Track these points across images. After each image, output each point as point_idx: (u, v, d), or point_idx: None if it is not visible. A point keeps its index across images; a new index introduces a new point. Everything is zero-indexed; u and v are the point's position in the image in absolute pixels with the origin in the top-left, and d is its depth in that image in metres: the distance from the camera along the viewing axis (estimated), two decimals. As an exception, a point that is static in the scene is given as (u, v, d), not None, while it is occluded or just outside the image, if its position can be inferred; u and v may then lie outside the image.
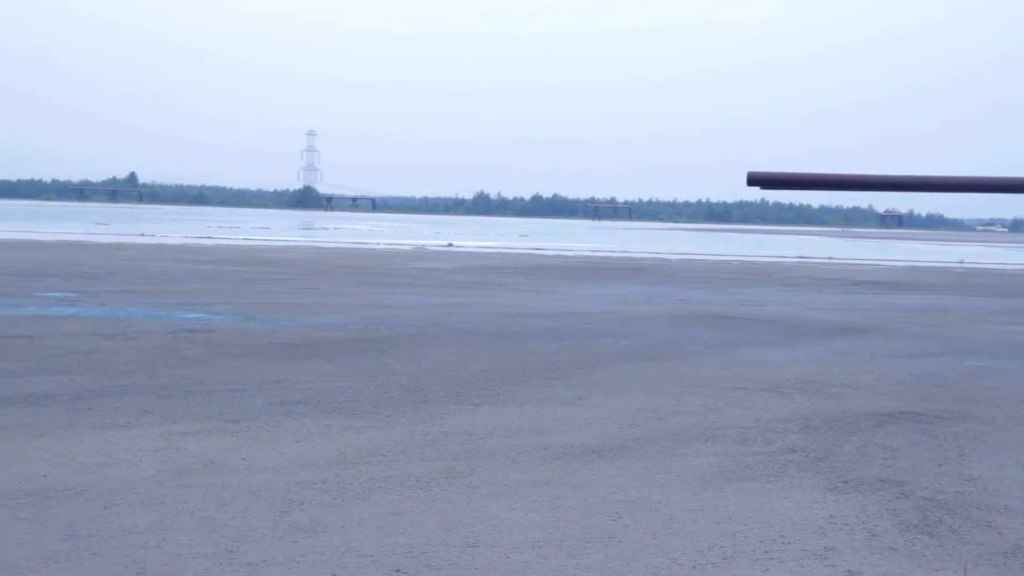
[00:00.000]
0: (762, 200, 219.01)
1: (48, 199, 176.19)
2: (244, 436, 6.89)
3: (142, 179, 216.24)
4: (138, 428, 7.02)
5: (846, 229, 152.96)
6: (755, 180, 4.07)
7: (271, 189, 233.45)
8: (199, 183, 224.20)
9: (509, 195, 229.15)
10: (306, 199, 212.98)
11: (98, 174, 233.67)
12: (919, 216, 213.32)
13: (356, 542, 4.84)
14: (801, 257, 42.73)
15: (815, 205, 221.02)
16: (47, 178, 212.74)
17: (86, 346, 10.61)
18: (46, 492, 5.49)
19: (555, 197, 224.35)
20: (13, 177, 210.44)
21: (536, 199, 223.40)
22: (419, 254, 35.71)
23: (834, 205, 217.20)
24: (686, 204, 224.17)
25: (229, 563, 4.54)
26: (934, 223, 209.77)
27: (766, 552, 4.89)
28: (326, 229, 66.31)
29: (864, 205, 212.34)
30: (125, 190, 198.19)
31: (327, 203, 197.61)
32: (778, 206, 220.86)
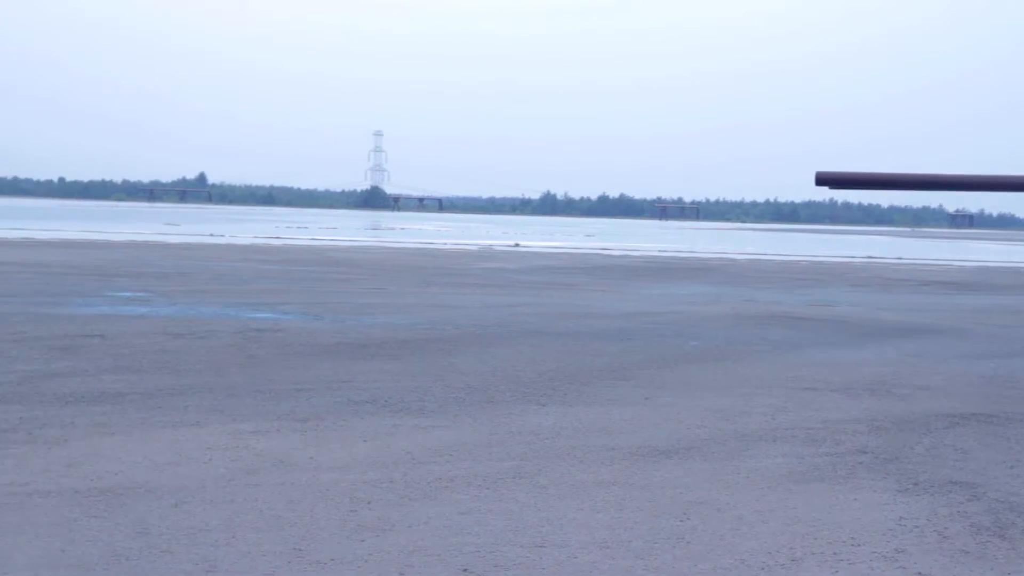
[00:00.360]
0: (830, 200, 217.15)
1: (119, 199, 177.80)
2: (312, 435, 6.94)
3: (211, 180, 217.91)
4: (208, 427, 7.09)
5: (916, 229, 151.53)
6: (823, 180, 4.05)
7: (339, 189, 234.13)
8: (267, 184, 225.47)
9: (576, 195, 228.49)
10: (373, 199, 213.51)
11: (168, 175, 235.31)
12: (990, 216, 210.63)
13: (423, 541, 4.86)
14: (870, 257, 42.40)
15: (884, 205, 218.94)
16: (118, 179, 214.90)
17: (156, 345, 10.72)
18: (118, 490, 5.55)
19: (622, 197, 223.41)
20: (85, 178, 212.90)
21: (603, 199, 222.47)
22: (485, 254, 35.77)
23: (903, 205, 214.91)
24: (753, 204, 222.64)
25: (298, 561, 4.57)
26: (1005, 223, 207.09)
27: (835, 554, 4.86)
28: (393, 229, 66.59)
29: (934, 205, 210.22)
30: (194, 190, 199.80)
31: (394, 203, 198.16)
32: (847, 206, 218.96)
